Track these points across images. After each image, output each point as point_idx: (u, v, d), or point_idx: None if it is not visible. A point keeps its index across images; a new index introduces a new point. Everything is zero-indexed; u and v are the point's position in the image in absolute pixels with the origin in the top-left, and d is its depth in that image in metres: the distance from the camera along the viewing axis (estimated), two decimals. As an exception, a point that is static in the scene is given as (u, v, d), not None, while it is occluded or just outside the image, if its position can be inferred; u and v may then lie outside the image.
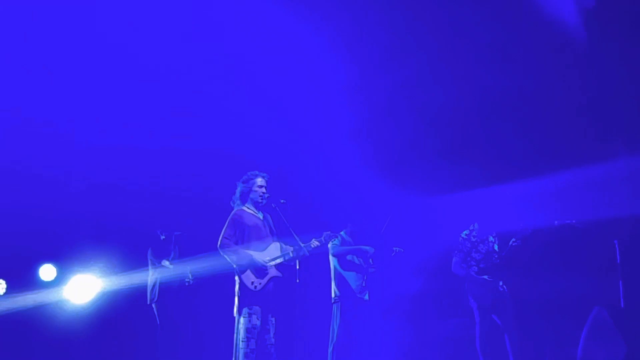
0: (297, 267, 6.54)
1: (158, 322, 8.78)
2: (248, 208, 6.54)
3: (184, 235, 9.06)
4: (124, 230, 9.37)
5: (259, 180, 6.59)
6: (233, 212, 6.54)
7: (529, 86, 8.33)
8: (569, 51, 8.03)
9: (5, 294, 8.91)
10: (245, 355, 6.19)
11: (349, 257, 7.55)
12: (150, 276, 8.90)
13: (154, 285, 8.83)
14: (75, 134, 8.96)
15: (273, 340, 6.31)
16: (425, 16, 8.18)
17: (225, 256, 6.41)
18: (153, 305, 8.80)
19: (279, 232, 6.68)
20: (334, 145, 9.17)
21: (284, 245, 6.52)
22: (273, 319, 6.32)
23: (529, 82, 8.28)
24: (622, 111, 8.12)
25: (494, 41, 8.23)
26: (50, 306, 9.11)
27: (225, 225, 6.47)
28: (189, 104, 8.92)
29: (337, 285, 7.51)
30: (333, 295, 7.53)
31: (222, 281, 7.24)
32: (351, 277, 7.49)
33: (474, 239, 7.53)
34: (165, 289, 8.83)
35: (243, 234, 6.45)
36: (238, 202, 6.59)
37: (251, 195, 6.55)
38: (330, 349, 7.41)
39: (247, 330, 6.22)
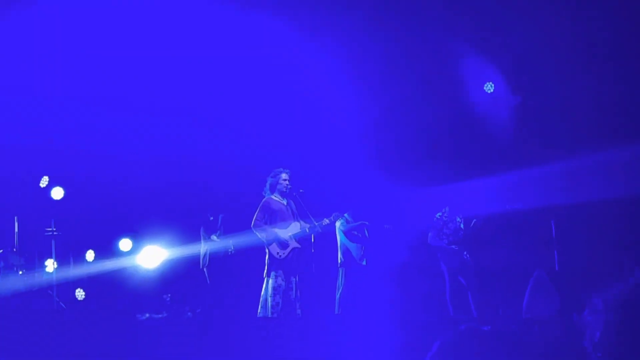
0: (312, 240, 7.08)
1: (208, 282, 9.63)
2: (275, 196, 7.04)
3: (227, 217, 9.72)
4: (184, 213, 10.07)
5: (284, 175, 7.07)
6: (264, 199, 7.06)
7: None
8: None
9: (94, 260, 9.90)
10: (272, 307, 6.69)
11: (353, 232, 7.96)
12: (202, 247, 9.66)
13: (205, 255, 9.62)
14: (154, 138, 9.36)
15: (294, 295, 6.79)
16: (430, 21, 8.61)
17: (257, 234, 6.94)
18: (204, 270, 9.67)
19: (299, 214, 7.10)
20: (340, 146, 9.44)
21: (302, 224, 6.99)
22: (294, 279, 6.82)
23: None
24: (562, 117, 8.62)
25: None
26: (127, 270, 9.96)
27: (257, 210, 6.99)
28: (236, 110, 9.48)
29: (342, 254, 7.97)
30: (339, 261, 8.00)
31: (255, 251, 7.67)
32: (353, 247, 7.96)
33: (445, 219, 7.95)
34: (213, 257, 9.59)
35: (271, 217, 6.93)
36: (268, 191, 7.09)
37: (278, 187, 7.05)
38: (337, 297, 7.90)
39: (274, 289, 6.73)
